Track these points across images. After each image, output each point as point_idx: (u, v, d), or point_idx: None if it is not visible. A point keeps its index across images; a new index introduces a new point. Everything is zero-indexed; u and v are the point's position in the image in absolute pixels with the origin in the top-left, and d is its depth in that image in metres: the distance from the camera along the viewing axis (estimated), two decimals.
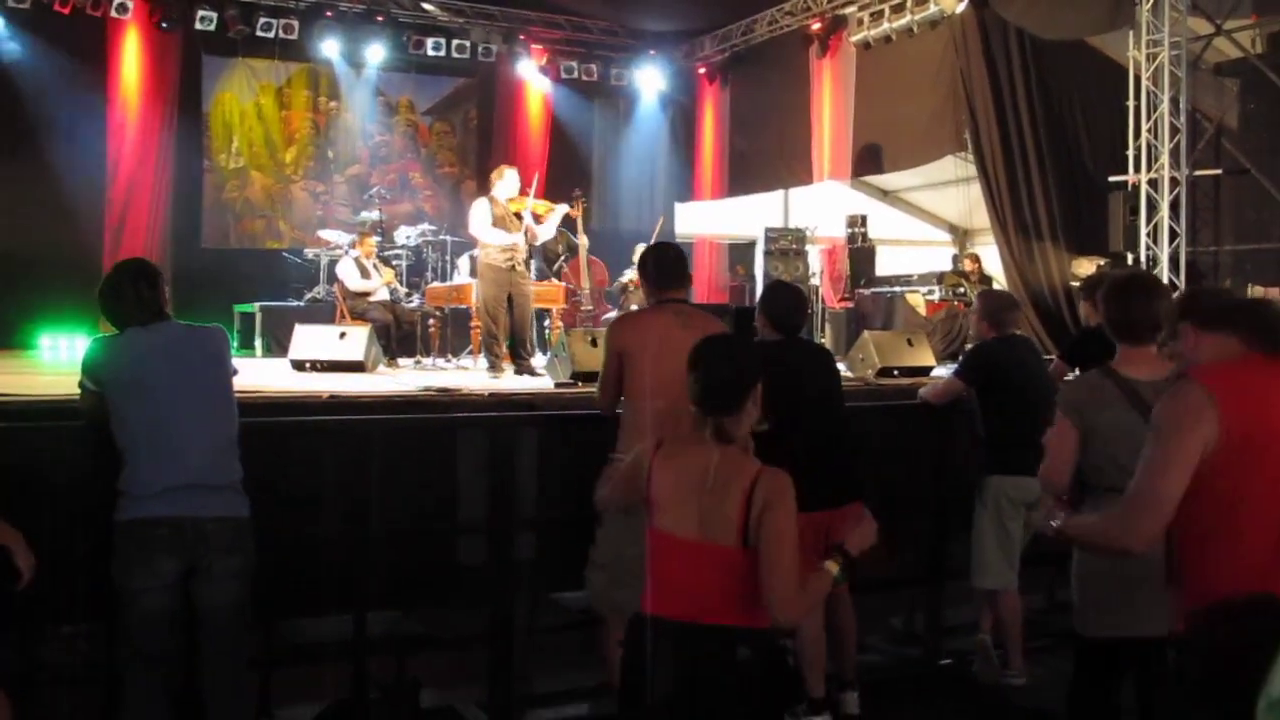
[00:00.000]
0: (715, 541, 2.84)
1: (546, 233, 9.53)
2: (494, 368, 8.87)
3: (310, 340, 9.17)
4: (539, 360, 9.23)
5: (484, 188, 14.57)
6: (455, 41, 14.47)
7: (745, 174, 15.22)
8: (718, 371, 2.93)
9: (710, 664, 2.83)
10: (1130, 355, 3.57)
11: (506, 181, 9.07)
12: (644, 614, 2.95)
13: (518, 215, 9.00)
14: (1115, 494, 3.47)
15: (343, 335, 9.24)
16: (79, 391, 3.86)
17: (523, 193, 9.17)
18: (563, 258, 11.56)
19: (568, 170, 15.01)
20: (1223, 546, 2.51)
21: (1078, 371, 5.59)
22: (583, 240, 11.05)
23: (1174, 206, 9.89)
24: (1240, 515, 2.49)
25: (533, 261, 10.29)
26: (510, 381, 8.39)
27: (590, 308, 11.33)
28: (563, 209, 9.71)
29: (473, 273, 10.83)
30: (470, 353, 10.56)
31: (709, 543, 2.85)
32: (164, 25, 12.84)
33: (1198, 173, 10.16)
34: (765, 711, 2.98)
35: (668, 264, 4.55)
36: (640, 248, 12.30)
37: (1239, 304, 2.79)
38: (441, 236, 12.30)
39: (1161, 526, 2.56)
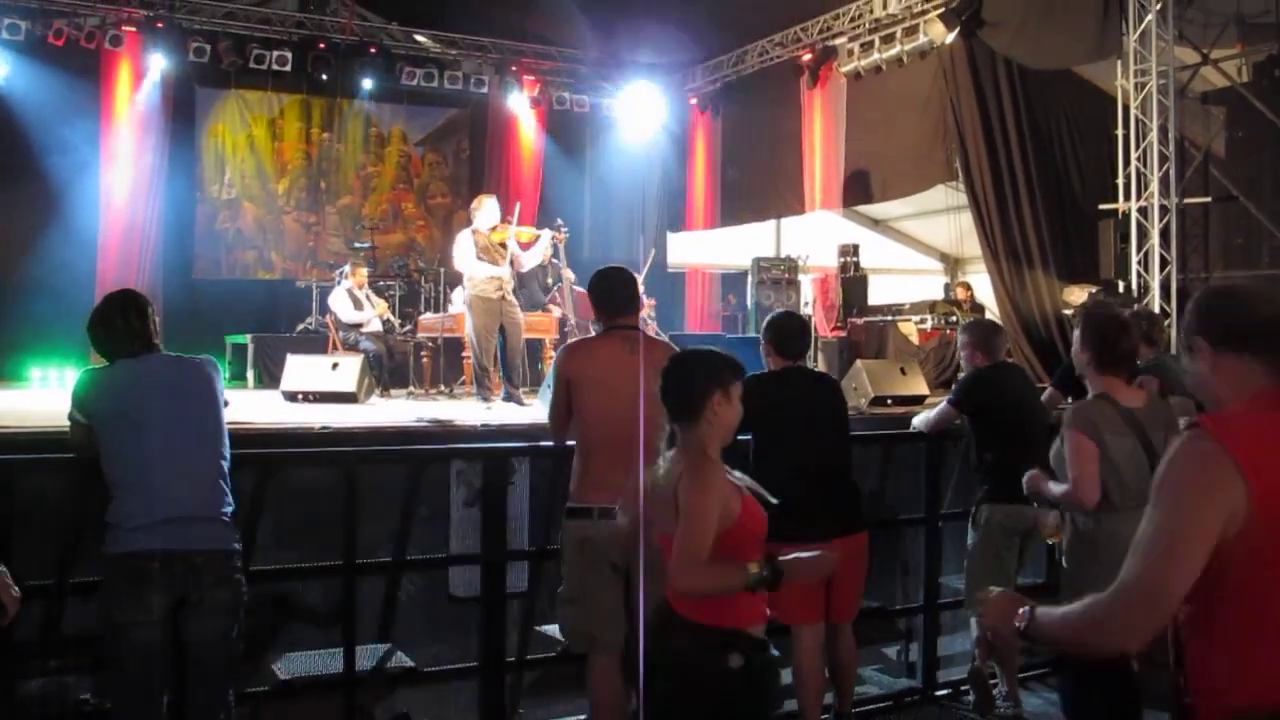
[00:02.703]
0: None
1: (532, 259, 9.51)
2: (485, 399, 8.85)
3: (302, 371, 9.15)
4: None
5: None
6: (447, 73, 14.52)
7: (737, 204, 15.27)
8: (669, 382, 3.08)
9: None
10: (1114, 385, 3.99)
11: (486, 211, 9.06)
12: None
13: (502, 245, 8.99)
14: (1115, 513, 3.76)
15: (335, 366, 9.23)
16: (68, 424, 3.84)
17: (504, 221, 9.16)
18: (555, 287, 11.57)
19: (560, 200, 15.07)
20: (1251, 648, 2.01)
21: (1071, 399, 5.59)
22: (567, 275, 11.04)
23: (1164, 234, 9.93)
24: (1275, 610, 1.99)
25: (523, 290, 10.27)
26: (503, 412, 8.37)
27: (580, 338, 11.32)
28: (548, 234, 9.73)
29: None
30: (463, 383, 10.54)
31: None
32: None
33: (1187, 200, 10.21)
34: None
35: (616, 290, 4.44)
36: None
37: (1272, 319, 2.15)
38: (437, 266, 12.29)
39: (1164, 622, 2.05)
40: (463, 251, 8.88)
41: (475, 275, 8.83)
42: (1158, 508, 2.03)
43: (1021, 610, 2.25)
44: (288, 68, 13.50)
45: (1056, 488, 3.99)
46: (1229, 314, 2.18)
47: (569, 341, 4.93)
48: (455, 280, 11.89)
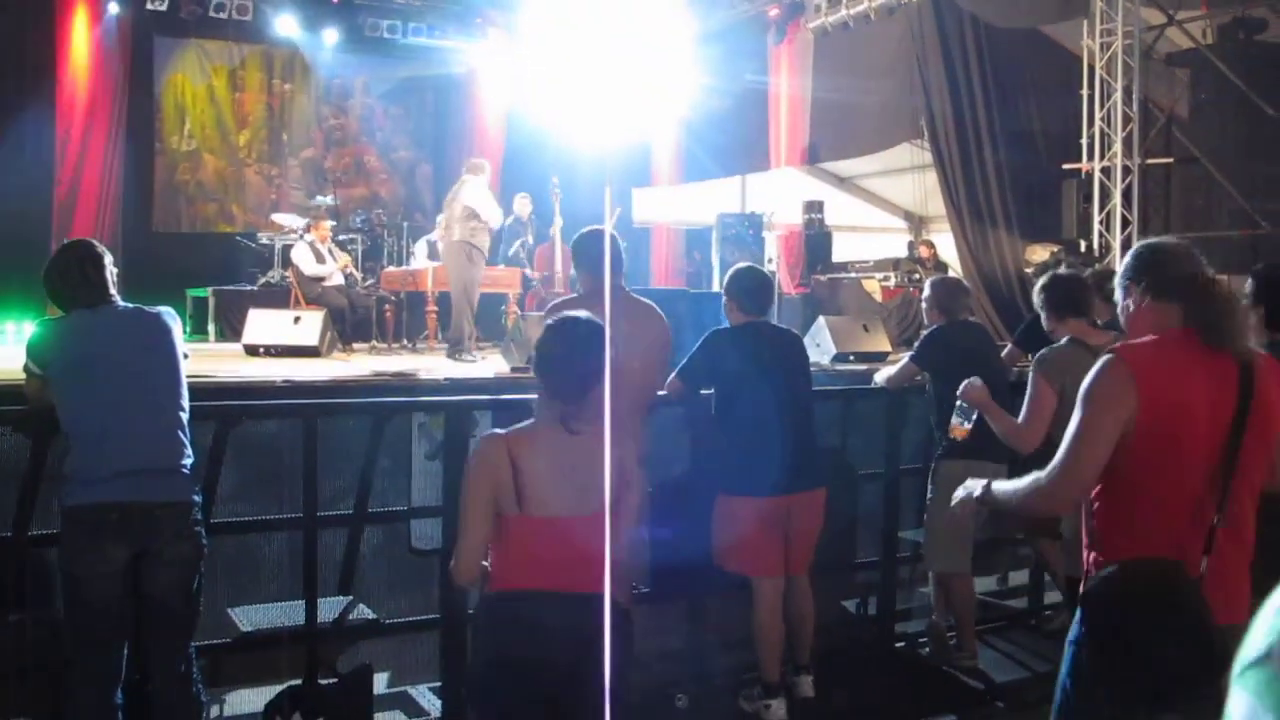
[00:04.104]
0: (593, 512, 2.89)
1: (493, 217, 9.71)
2: (455, 353, 8.84)
3: (264, 325, 9.09)
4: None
5: (440, 172, 14.50)
6: (411, 24, 14.33)
7: (703, 160, 15.21)
8: (580, 360, 2.98)
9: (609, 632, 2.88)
10: (1082, 329, 4.38)
11: (488, 175, 9.37)
12: (521, 589, 2.95)
13: None
14: None
15: (297, 320, 9.17)
16: (24, 376, 3.80)
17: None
18: (520, 240, 11.52)
19: (525, 155, 14.93)
20: (1139, 515, 2.61)
21: (1031, 358, 5.64)
22: (558, 221, 11.05)
23: (1126, 194, 10.01)
24: (1157, 487, 2.58)
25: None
26: (465, 366, 8.36)
27: (559, 291, 11.29)
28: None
29: (430, 256, 10.79)
30: (425, 337, 10.51)
31: (587, 516, 2.90)
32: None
33: (1149, 161, 10.28)
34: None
35: (600, 251, 4.43)
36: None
37: (1193, 281, 2.68)
38: (400, 220, 12.19)
39: (1085, 492, 2.67)
40: (488, 198, 9.14)
41: (495, 220, 9.15)
42: (1080, 411, 2.62)
43: (982, 483, 2.93)
44: (249, 17, 13.29)
45: (1003, 419, 3.99)
46: (1160, 267, 2.74)
47: (556, 301, 4.94)
48: (418, 234, 11.82)
